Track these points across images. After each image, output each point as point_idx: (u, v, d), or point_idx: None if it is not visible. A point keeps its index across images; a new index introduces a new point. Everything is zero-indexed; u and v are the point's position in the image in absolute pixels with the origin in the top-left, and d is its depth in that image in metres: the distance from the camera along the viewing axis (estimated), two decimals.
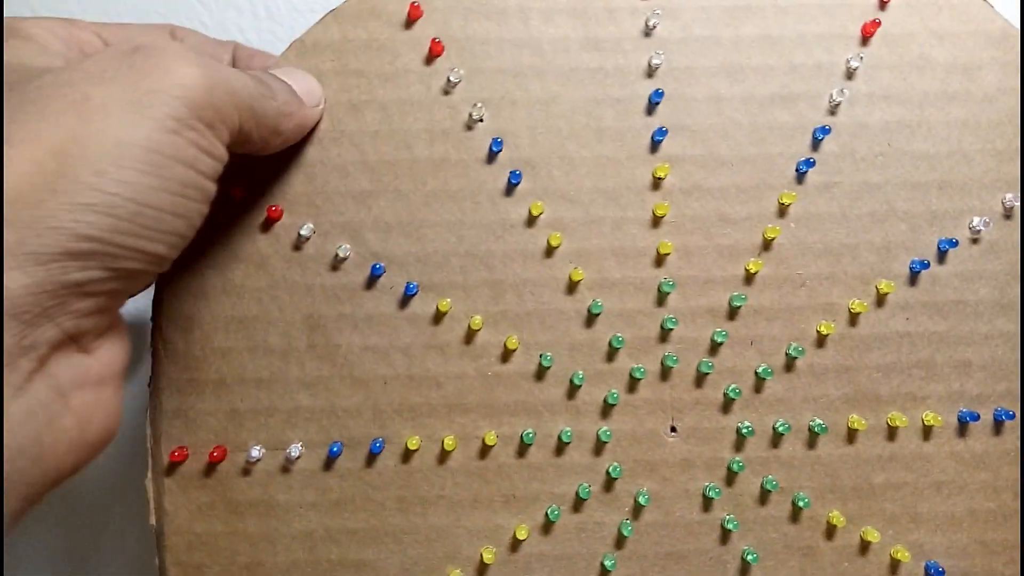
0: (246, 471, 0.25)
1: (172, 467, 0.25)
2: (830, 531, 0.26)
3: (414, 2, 0.26)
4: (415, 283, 0.26)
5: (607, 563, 0.25)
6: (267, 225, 0.26)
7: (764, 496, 0.26)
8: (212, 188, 0.20)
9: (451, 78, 0.26)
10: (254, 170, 0.26)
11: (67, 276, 0.17)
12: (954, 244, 0.27)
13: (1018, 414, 0.26)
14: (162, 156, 0.18)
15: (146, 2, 0.28)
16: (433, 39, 0.26)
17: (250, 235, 0.26)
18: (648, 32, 0.26)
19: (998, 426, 0.27)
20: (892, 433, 0.27)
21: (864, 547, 0.26)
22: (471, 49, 0.26)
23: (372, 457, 0.26)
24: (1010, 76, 0.27)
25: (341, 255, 0.26)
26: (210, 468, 0.25)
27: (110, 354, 0.19)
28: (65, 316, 0.17)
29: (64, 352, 0.18)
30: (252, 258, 0.26)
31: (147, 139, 0.17)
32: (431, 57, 0.26)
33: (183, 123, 0.18)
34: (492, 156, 0.26)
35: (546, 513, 0.26)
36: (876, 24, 0.27)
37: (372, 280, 0.26)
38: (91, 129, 0.17)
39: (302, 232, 0.25)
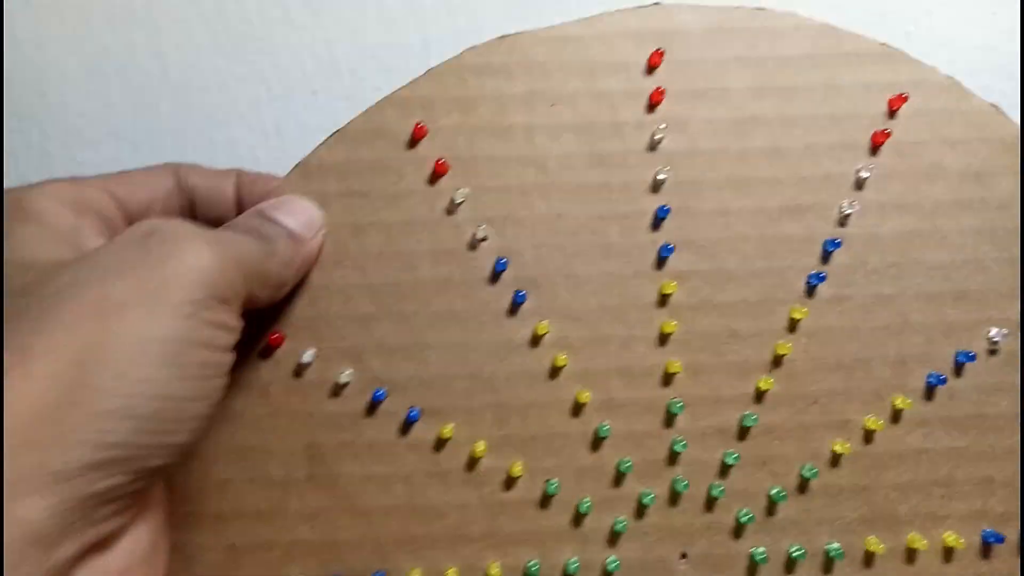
0: None
1: None
2: None
3: (419, 122, 0.25)
4: (417, 408, 0.25)
5: None
6: (268, 351, 0.25)
7: None
8: (231, 359, 0.20)
9: (455, 198, 0.25)
10: None
11: (91, 488, 0.16)
12: (972, 357, 0.26)
13: None
14: (180, 343, 0.18)
15: (153, 121, 0.28)
16: (437, 159, 0.25)
17: (251, 361, 0.25)
18: (654, 146, 0.26)
19: None
20: (911, 555, 0.26)
21: None
22: (476, 168, 0.26)
23: None
24: None
25: (342, 381, 0.25)
26: None
27: (133, 540, 0.19)
28: (88, 528, 0.17)
29: (84, 560, 0.17)
30: (252, 385, 0.25)
31: (166, 329, 0.17)
32: (435, 176, 0.26)
33: (199, 305, 0.18)
34: (496, 276, 0.26)
35: None
36: (886, 134, 0.26)
37: (373, 406, 0.25)
38: (111, 331, 0.17)
39: (303, 359, 0.25)
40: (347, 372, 0.25)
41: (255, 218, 0.23)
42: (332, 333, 0.25)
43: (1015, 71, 0.29)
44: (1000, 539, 0.25)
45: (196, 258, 0.18)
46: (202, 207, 0.24)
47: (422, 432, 0.25)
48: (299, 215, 0.24)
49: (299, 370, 0.25)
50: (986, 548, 0.26)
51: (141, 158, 0.28)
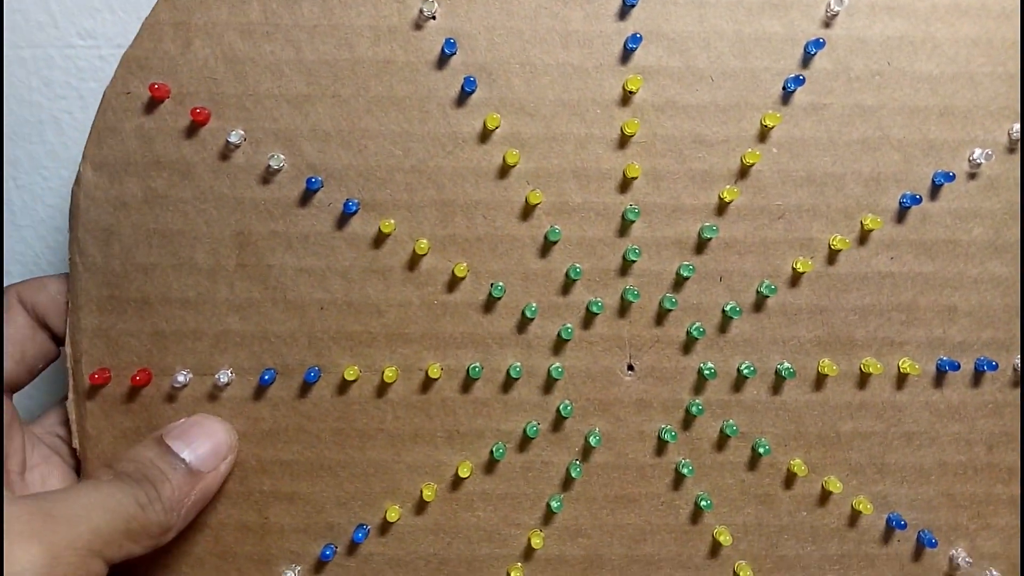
0: (171, 397, 0.24)
1: (94, 390, 0.24)
2: (790, 479, 0.25)
3: None
4: (355, 200, 0.23)
5: (553, 504, 0.24)
6: (192, 129, 0.23)
7: (722, 441, 0.25)
8: None
9: None
10: (177, 68, 0.23)
11: None
12: (950, 178, 0.24)
13: (1002, 365, 0.25)
14: None
15: None
16: None
17: (173, 139, 0.23)
18: None
19: (978, 376, 0.25)
20: (864, 380, 0.25)
21: (824, 497, 0.25)
22: None
23: (307, 387, 0.24)
24: None
25: (274, 166, 0.23)
26: (133, 392, 0.24)
27: None
28: None
29: None
30: (176, 165, 0.23)
31: None
32: None
33: None
34: (444, 60, 0.23)
35: (491, 451, 0.24)
36: None
37: (308, 195, 0.24)
38: None
39: (231, 139, 0.23)
40: (278, 156, 0.23)
41: (151, 449, 0.22)
42: (262, 113, 0.23)
43: None
44: (956, 367, 0.25)
45: (21, 561, 0.17)
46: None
47: (360, 226, 0.24)
48: (205, 441, 0.23)
49: (226, 152, 0.23)
50: (940, 376, 0.25)
51: None
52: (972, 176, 0.25)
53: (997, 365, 0.25)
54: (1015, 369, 0.25)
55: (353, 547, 0.24)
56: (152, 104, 0.23)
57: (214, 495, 0.23)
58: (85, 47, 0.27)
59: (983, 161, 0.24)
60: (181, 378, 0.24)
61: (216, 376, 0.24)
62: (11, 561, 0.17)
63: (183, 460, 0.22)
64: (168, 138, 0.23)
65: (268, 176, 0.23)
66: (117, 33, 0.23)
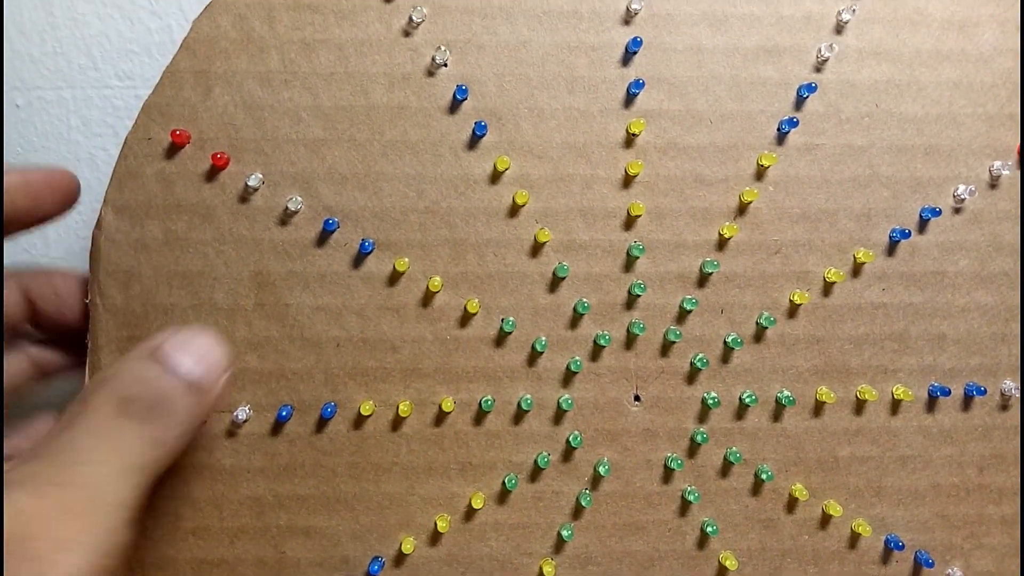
0: None
1: None
2: (792, 504, 0.26)
3: None
4: (371, 240, 0.24)
5: (564, 533, 0.25)
6: (212, 173, 0.24)
7: (726, 468, 0.26)
8: None
9: (413, 17, 0.24)
10: (198, 114, 0.24)
11: None
12: (937, 213, 0.26)
13: (990, 390, 0.26)
14: None
15: None
16: None
17: (193, 183, 0.24)
18: None
19: (968, 401, 0.26)
20: (860, 407, 0.26)
21: (825, 520, 0.26)
22: None
23: (323, 422, 0.25)
24: (1008, 35, 0.26)
25: (291, 208, 0.24)
26: None
27: None
28: None
29: None
30: (196, 208, 0.24)
31: None
32: None
33: None
34: (456, 105, 0.24)
35: (503, 482, 0.25)
36: None
37: (324, 236, 0.24)
38: None
39: (250, 182, 0.24)
40: (296, 199, 0.24)
41: (150, 368, 0.20)
42: (280, 157, 0.24)
43: None
44: (946, 392, 0.26)
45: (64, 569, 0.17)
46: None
47: (375, 265, 0.24)
48: (205, 356, 0.21)
49: (245, 194, 0.24)
50: (932, 402, 0.26)
51: None
52: (957, 211, 0.26)
53: (986, 390, 0.26)
54: (1003, 394, 0.26)
55: None
56: (173, 149, 0.24)
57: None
58: (122, 87, 0.28)
59: (967, 196, 0.26)
60: None
61: (234, 413, 0.24)
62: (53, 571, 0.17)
63: (183, 376, 0.20)
64: (188, 182, 0.24)
65: (286, 218, 0.24)
66: (153, 75, 0.24)
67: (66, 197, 0.23)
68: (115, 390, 0.19)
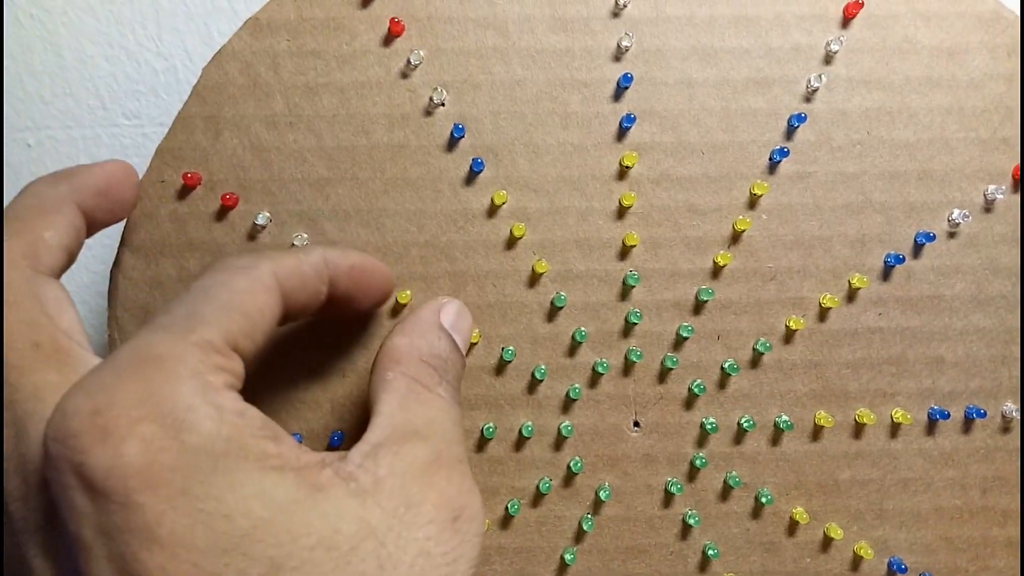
0: None
1: None
2: (792, 527, 0.26)
3: None
4: None
5: (567, 557, 0.25)
6: (222, 213, 0.25)
7: (726, 492, 0.26)
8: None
9: (411, 60, 0.25)
10: (208, 157, 0.25)
11: None
12: (931, 238, 0.26)
13: (991, 413, 0.26)
14: None
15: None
16: (392, 18, 0.25)
17: (204, 222, 0.25)
18: (617, 12, 0.25)
19: (968, 424, 0.26)
20: (859, 430, 0.26)
21: (827, 543, 0.26)
22: (432, 29, 0.25)
23: (331, 450, 0.25)
24: (999, 61, 0.26)
25: (298, 245, 0.25)
26: None
27: None
28: None
29: None
30: (208, 246, 0.25)
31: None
32: (390, 37, 0.25)
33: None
34: (453, 143, 0.25)
35: (506, 507, 0.26)
36: (859, 5, 0.25)
37: None
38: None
39: (258, 221, 0.25)
40: (302, 236, 0.25)
41: (444, 340, 0.22)
42: (287, 196, 0.25)
43: None
44: (946, 415, 0.26)
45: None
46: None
47: None
48: (465, 326, 0.24)
49: (253, 232, 0.25)
50: (931, 425, 0.26)
51: None
52: (952, 235, 0.26)
53: (986, 413, 0.26)
54: (1004, 416, 0.26)
55: None
56: (185, 191, 0.25)
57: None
58: (130, 126, 0.30)
59: (961, 221, 0.26)
60: None
61: None
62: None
63: (464, 345, 0.23)
64: (200, 221, 0.25)
65: None
66: (160, 113, 0.25)
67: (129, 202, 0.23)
68: (416, 359, 0.21)
